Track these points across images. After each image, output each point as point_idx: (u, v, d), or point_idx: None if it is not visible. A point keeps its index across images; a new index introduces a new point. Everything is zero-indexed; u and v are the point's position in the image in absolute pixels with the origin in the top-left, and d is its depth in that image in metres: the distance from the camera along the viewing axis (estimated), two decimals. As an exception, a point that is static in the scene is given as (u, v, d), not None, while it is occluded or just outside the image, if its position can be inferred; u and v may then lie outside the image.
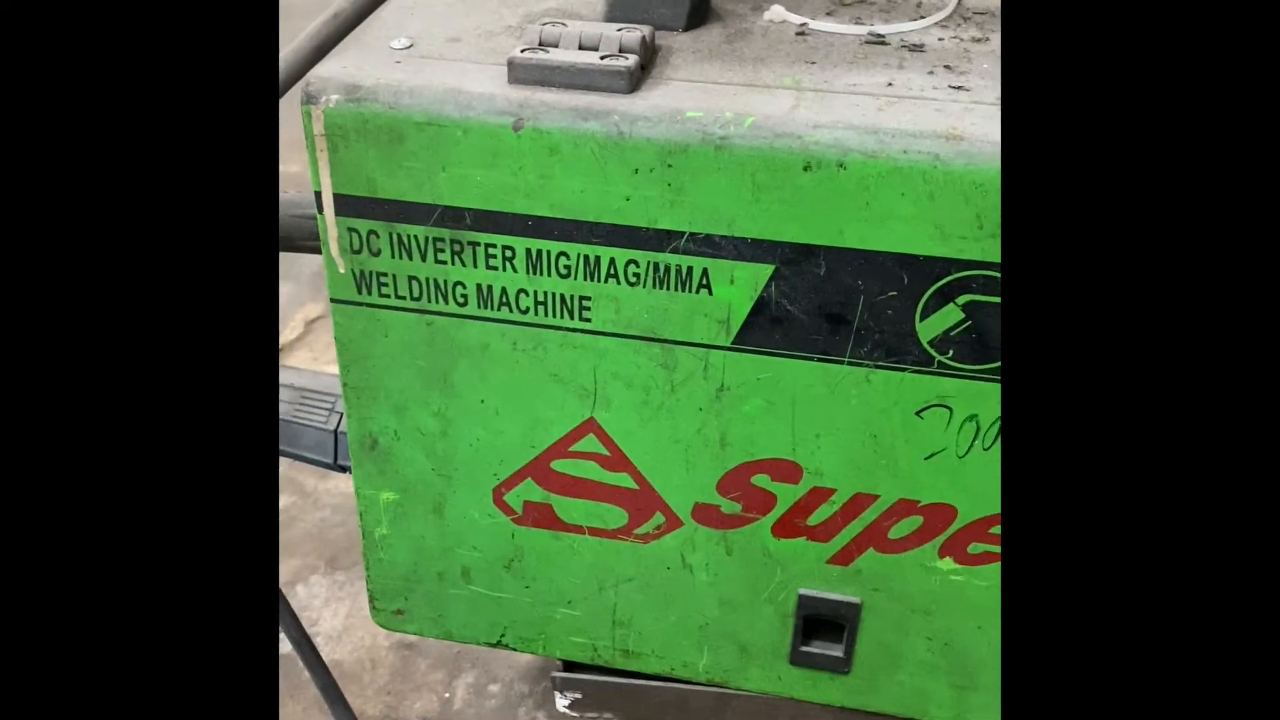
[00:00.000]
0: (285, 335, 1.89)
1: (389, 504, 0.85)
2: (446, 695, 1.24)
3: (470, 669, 1.28)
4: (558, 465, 0.80)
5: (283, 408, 0.97)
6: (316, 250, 0.75)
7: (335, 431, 0.94)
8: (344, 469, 0.96)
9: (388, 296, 0.74)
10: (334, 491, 1.56)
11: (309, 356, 1.84)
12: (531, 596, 0.87)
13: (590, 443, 0.78)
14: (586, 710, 0.92)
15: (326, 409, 0.95)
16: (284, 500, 1.55)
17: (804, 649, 0.83)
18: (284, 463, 1.70)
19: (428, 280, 0.73)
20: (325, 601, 1.39)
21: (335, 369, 0.97)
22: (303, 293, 1.98)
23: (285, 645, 1.03)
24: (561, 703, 0.92)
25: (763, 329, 0.70)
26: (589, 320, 0.73)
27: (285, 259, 2.11)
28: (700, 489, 0.78)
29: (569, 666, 0.91)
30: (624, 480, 0.79)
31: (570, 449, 0.79)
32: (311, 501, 1.54)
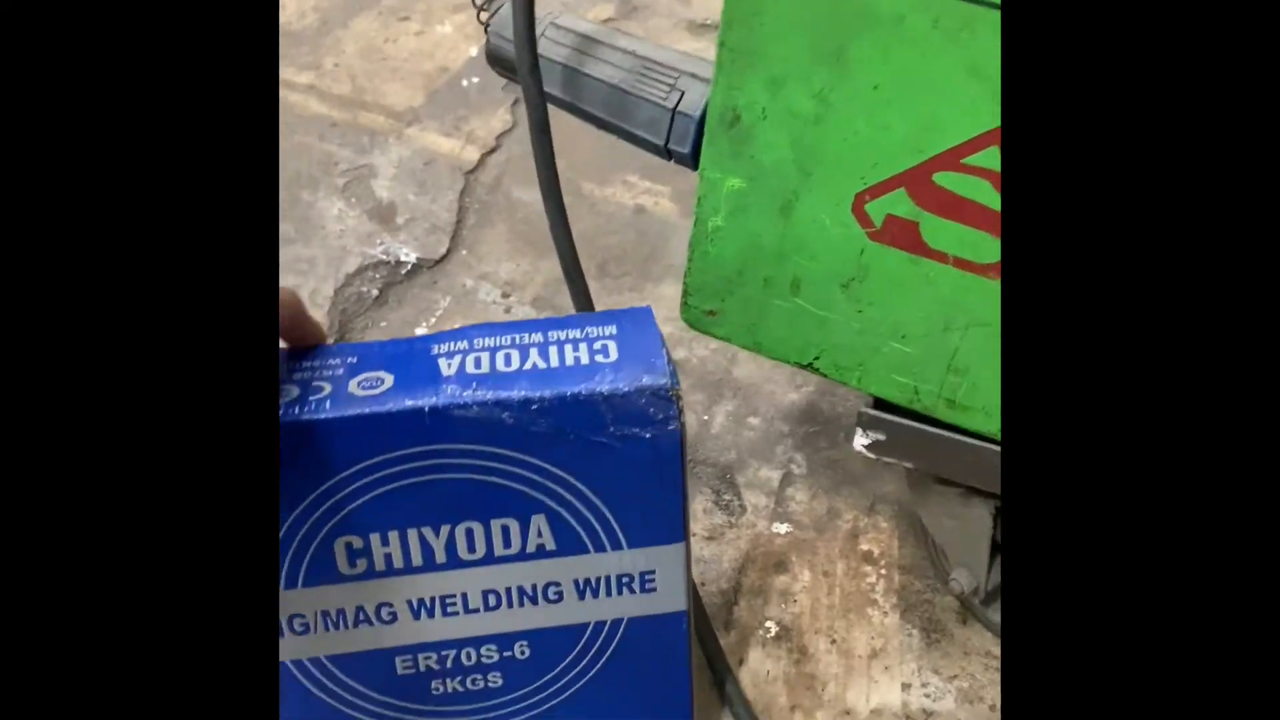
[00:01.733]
0: (573, 36, 1.81)
1: (732, 192, 0.78)
2: (705, 418, 1.23)
3: (731, 398, 1.25)
4: (940, 178, 0.70)
5: (621, 76, 0.89)
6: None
7: (673, 111, 0.87)
8: (670, 154, 0.90)
9: (803, -61, 0.64)
10: (609, 200, 1.52)
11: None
12: (862, 323, 0.79)
13: (989, 157, 0.68)
14: (884, 454, 0.86)
15: (668, 85, 0.87)
16: (559, 200, 1.52)
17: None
18: (561, 165, 1.67)
19: (857, -77, 0.62)
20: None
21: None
22: (596, -8, 1.89)
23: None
24: (860, 441, 0.86)
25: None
26: (1044, 0, 0.60)
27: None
28: (1109, 233, 0.67)
29: (878, 405, 0.85)
30: (1016, 208, 0.69)
31: (963, 160, 0.69)
32: (587, 205, 1.51)
